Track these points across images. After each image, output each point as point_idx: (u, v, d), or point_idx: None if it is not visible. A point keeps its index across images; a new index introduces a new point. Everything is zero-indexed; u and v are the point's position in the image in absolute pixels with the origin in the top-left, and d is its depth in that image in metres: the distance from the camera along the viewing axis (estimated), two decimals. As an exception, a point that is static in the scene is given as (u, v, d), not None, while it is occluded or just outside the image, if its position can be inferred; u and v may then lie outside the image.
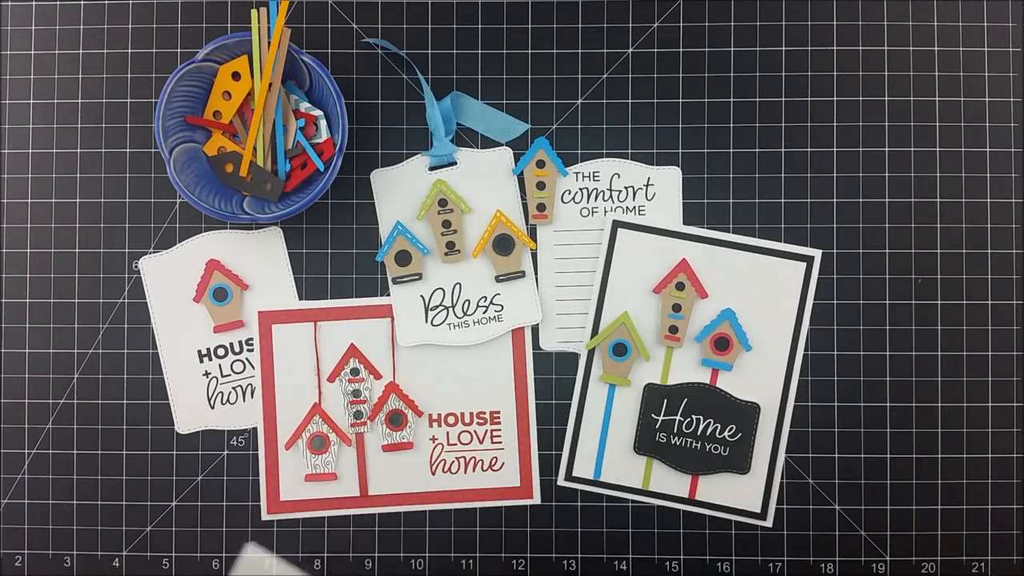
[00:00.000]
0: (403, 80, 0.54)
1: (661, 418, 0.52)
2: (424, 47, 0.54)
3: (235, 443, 0.53)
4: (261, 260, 0.53)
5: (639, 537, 0.53)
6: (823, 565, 0.52)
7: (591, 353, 0.53)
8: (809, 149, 0.53)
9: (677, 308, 0.52)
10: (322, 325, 0.53)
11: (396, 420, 0.53)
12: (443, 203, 0.52)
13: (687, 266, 0.52)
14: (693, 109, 0.53)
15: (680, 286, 0.52)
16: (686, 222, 0.53)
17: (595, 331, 0.53)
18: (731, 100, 0.53)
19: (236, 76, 0.50)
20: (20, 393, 0.54)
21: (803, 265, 0.52)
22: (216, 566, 0.53)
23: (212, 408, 0.53)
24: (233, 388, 0.53)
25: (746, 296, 0.52)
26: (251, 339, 0.53)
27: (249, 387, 0.53)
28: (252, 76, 0.50)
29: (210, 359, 0.53)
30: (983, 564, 0.52)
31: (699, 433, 0.52)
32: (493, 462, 0.53)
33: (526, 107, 0.53)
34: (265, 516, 0.53)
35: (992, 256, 0.53)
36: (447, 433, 0.53)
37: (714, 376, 0.52)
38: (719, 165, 0.53)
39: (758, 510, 0.52)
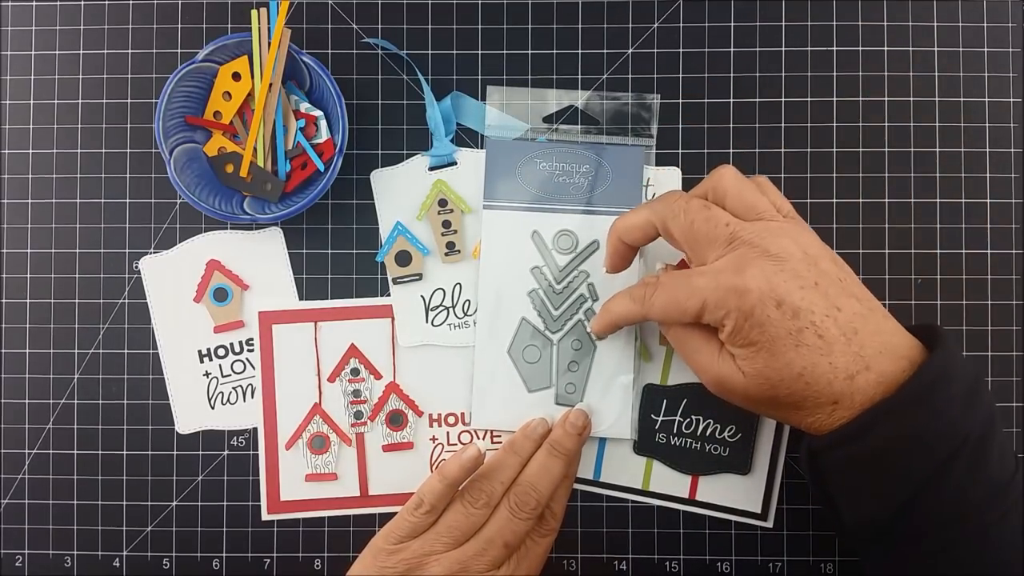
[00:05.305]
0: (403, 80, 0.54)
1: (661, 418, 0.52)
2: (424, 47, 0.54)
3: (235, 443, 0.53)
4: (261, 260, 0.53)
5: (639, 537, 0.53)
6: (823, 565, 0.52)
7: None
8: (809, 149, 0.53)
9: (677, 308, 0.52)
10: (322, 325, 0.53)
11: (396, 420, 0.53)
12: (443, 203, 0.52)
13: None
14: (693, 109, 0.53)
15: (680, 286, 0.52)
16: (686, 222, 0.53)
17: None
18: (731, 100, 0.53)
19: (236, 76, 0.50)
20: (20, 393, 0.54)
21: (803, 265, 0.52)
22: (216, 566, 0.53)
23: (212, 408, 0.53)
24: (233, 388, 0.53)
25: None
26: (251, 339, 0.53)
27: (249, 387, 0.53)
28: (252, 76, 0.50)
29: (210, 359, 0.53)
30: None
31: (699, 433, 0.52)
32: (493, 462, 0.53)
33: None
34: (265, 516, 0.53)
35: (992, 256, 0.53)
36: (447, 433, 0.53)
37: (714, 376, 0.52)
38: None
39: (758, 510, 0.52)
